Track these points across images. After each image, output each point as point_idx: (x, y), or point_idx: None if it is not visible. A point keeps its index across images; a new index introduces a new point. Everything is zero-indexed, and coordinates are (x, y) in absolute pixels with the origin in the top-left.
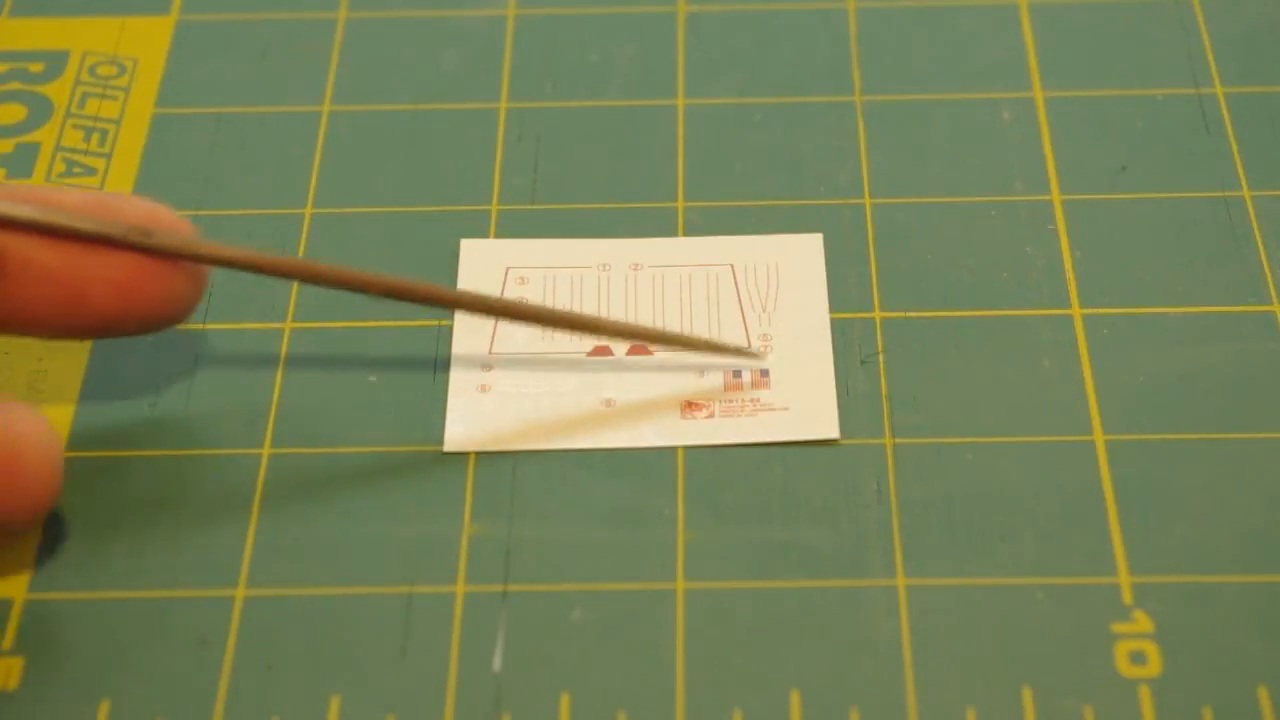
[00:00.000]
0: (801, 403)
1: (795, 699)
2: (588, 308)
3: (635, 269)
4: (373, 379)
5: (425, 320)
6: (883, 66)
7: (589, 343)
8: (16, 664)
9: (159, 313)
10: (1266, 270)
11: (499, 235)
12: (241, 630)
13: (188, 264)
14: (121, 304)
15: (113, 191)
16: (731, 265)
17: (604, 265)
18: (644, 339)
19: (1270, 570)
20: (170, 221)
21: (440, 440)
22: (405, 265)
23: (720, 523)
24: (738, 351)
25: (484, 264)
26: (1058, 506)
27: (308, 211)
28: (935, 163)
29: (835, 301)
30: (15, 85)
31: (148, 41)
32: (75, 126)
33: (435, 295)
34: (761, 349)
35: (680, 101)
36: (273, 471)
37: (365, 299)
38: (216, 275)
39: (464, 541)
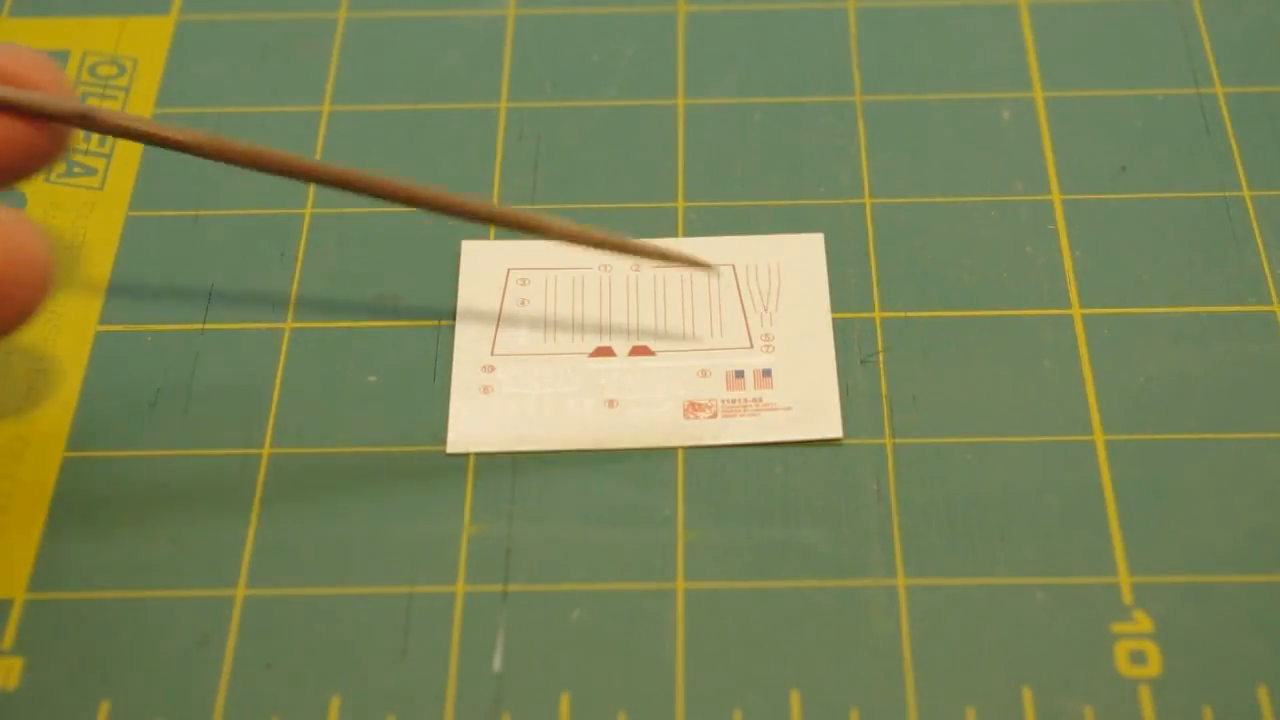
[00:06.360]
0: (804, 402)
1: (795, 699)
2: (589, 308)
3: (636, 269)
4: (373, 379)
5: (425, 320)
6: (883, 66)
7: (591, 343)
8: (16, 664)
9: (22, 168)
10: (1266, 270)
11: (499, 236)
12: (241, 630)
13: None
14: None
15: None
16: (733, 265)
17: (605, 265)
18: (566, 235)
19: (1270, 570)
20: (47, 77)
21: (440, 440)
22: (405, 265)
23: (720, 523)
24: (692, 261)
25: (485, 265)
26: (1058, 506)
27: (308, 211)
28: (935, 163)
29: (835, 301)
30: None
31: (148, 41)
32: None
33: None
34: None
35: (680, 101)
36: (273, 471)
37: (364, 299)
38: (217, 276)
39: (464, 542)
